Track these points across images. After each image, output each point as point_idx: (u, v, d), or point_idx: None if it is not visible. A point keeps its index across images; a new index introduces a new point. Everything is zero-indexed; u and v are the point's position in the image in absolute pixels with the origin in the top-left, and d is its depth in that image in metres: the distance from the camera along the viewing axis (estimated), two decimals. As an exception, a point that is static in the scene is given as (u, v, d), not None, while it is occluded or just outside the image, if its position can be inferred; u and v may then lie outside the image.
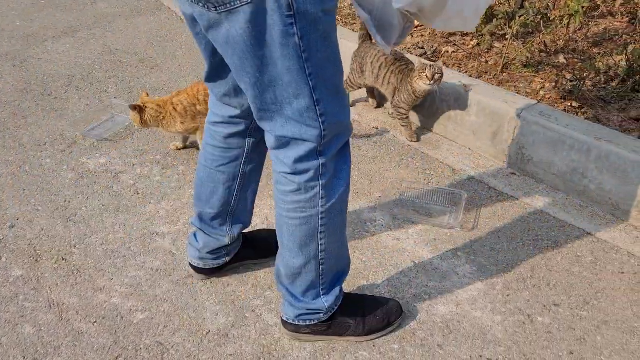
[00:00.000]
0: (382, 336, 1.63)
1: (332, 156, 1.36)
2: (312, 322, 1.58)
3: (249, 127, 1.58)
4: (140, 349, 1.60)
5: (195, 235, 1.77)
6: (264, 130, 1.39)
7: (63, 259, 1.92)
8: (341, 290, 1.60)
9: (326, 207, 1.40)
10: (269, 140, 1.36)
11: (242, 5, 1.12)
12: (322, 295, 1.55)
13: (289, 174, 1.36)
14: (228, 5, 1.13)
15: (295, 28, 1.14)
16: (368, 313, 1.64)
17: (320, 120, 1.28)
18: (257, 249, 1.87)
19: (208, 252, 1.76)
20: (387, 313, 1.65)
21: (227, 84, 1.47)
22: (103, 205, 2.18)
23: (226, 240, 1.75)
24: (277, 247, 1.90)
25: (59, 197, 2.21)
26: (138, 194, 2.24)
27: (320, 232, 1.43)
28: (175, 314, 1.72)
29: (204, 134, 1.65)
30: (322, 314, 1.57)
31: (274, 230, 1.96)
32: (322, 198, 1.39)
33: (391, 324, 1.65)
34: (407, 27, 1.46)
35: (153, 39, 3.69)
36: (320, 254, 1.47)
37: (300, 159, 1.33)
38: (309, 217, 1.41)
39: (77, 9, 4.19)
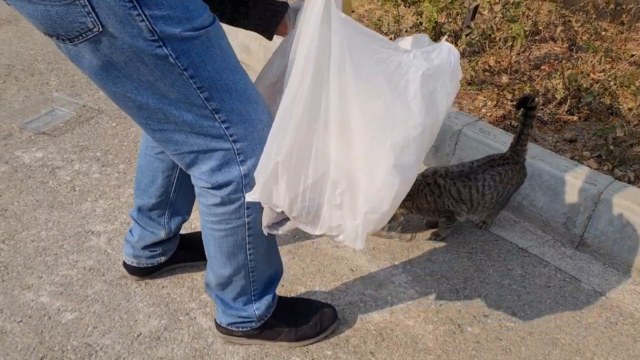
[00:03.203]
0: (315, 342, 1.64)
1: (255, 164, 1.28)
2: (245, 329, 1.57)
3: None
4: (67, 349, 1.56)
5: (131, 230, 1.74)
6: None
7: (-10, 255, 1.84)
8: (274, 297, 1.59)
9: (252, 217, 1.37)
10: (178, 161, 1.31)
11: (94, 35, 1.06)
12: (253, 301, 1.54)
13: (209, 188, 1.31)
14: (80, 37, 1.07)
15: (166, 50, 1.09)
16: (301, 318, 1.64)
17: (223, 127, 1.22)
18: (194, 250, 1.85)
19: (143, 248, 1.73)
20: (321, 319, 1.66)
21: None
22: (37, 201, 2.10)
23: (162, 234, 1.72)
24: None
25: (-11, 191, 2.13)
26: (75, 190, 2.18)
27: (248, 243, 1.41)
28: (106, 314, 1.68)
29: None
30: (254, 322, 1.56)
31: None
32: (247, 208, 1.34)
33: (324, 330, 1.66)
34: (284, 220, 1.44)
35: (101, 33, 3.59)
36: (249, 263, 1.45)
37: (216, 170, 1.28)
38: (234, 228, 1.37)
39: (22, -3, 4.04)
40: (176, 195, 1.68)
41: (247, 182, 1.29)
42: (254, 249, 1.43)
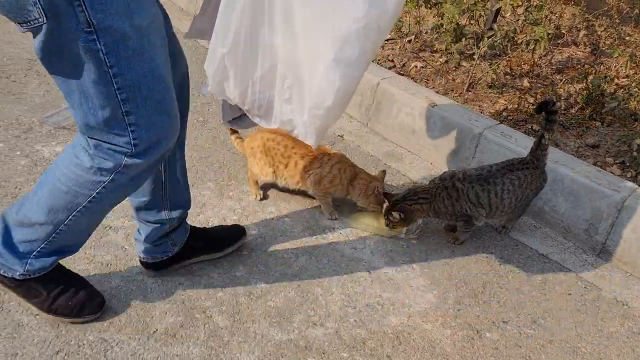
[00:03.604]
0: (70, 323, 1.60)
1: (140, 163, 1.35)
2: (5, 274, 1.55)
3: None
4: (83, 344, 1.55)
5: (138, 229, 1.76)
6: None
7: (8, 248, 1.85)
8: (52, 264, 1.56)
9: (100, 197, 1.40)
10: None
11: (40, 24, 1.15)
12: (33, 257, 1.52)
13: (88, 153, 1.35)
14: (29, 24, 1.16)
15: (98, 44, 1.16)
16: (65, 295, 1.60)
17: (129, 129, 1.29)
18: (207, 242, 1.85)
19: (152, 244, 1.74)
20: (84, 304, 1.61)
21: None
22: (55, 195, 2.11)
23: (166, 228, 1.73)
24: (228, 243, 1.89)
25: (9, 184, 2.13)
26: (93, 185, 2.18)
27: (78, 211, 1.42)
28: (122, 310, 1.67)
29: None
30: (17, 273, 1.54)
31: (228, 227, 1.95)
32: (103, 188, 1.38)
33: (80, 316, 1.60)
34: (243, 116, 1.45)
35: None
36: (63, 227, 1.45)
37: (104, 150, 1.33)
38: (79, 193, 1.39)
39: (44, -8, 4.07)
40: (168, 188, 1.69)
41: (123, 171, 1.35)
42: (76, 220, 1.44)
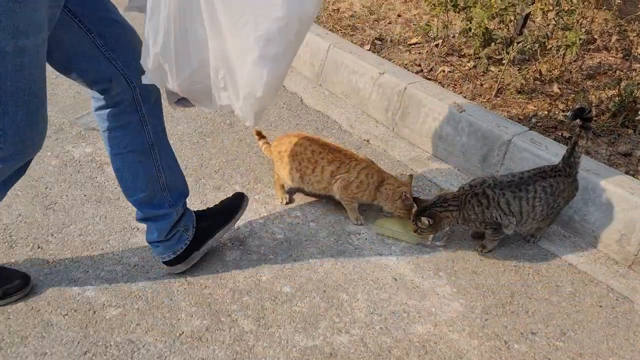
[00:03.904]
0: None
1: (2, 169, 1.40)
2: None
3: (133, 99, 1.58)
4: (110, 345, 1.57)
5: (149, 231, 1.77)
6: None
7: (39, 247, 1.87)
8: None
9: None
10: None
11: None
12: None
13: None
14: None
15: None
16: None
17: None
18: (211, 220, 1.87)
19: (166, 239, 1.75)
20: (5, 285, 1.66)
21: (78, 74, 1.59)
22: (85, 196, 2.13)
23: (174, 216, 1.75)
24: (231, 210, 1.92)
25: (40, 184, 2.17)
26: (121, 187, 2.21)
27: None
28: (149, 312, 1.68)
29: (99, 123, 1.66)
30: None
31: (227, 198, 1.98)
32: None
33: (9, 295, 1.66)
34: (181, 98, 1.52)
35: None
36: None
37: None
38: None
39: (75, -6, 4.14)
40: (165, 177, 1.71)
41: None
42: None
